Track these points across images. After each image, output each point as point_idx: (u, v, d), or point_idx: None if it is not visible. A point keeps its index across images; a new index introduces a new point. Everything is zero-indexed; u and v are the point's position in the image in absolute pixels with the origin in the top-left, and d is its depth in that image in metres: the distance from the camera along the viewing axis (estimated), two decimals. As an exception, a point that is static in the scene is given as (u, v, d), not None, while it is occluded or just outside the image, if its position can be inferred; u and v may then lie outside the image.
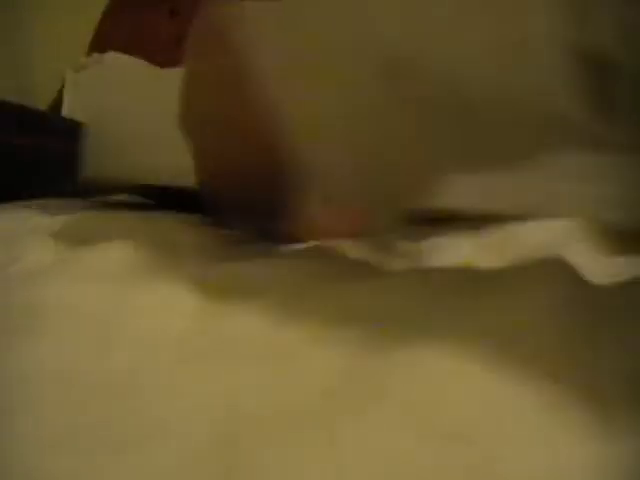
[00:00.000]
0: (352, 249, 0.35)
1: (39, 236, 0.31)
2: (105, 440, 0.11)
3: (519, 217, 0.46)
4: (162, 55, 1.50)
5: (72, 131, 0.64)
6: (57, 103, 1.44)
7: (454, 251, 0.40)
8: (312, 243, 0.35)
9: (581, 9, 0.19)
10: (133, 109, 1.29)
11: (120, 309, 0.18)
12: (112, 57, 1.53)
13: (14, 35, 1.50)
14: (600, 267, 0.30)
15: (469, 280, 0.24)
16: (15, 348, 0.15)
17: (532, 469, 0.10)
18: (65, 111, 1.40)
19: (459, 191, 0.30)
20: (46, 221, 0.36)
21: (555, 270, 0.21)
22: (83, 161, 0.66)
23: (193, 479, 0.10)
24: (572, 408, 0.12)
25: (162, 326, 0.18)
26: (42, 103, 1.47)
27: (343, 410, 0.12)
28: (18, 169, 0.53)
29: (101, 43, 1.54)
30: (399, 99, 0.22)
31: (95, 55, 1.51)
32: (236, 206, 0.33)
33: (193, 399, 0.13)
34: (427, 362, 0.14)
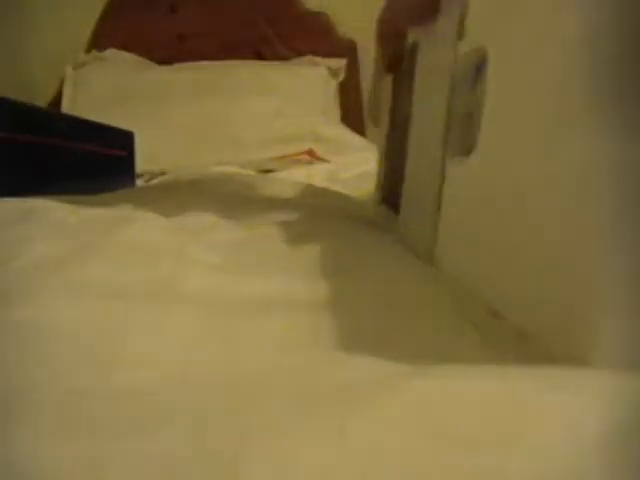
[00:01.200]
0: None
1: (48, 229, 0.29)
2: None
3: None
4: (162, 52, 1.50)
5: (127, 139, 0.73)
6: (57, 100, 1.44)
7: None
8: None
9: None
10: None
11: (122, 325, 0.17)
12: (112, 54, 1.52)
13: (14, 32, 1.50)
14: None
15: None
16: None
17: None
18: (64, 107, 1.40)
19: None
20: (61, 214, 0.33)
21: None
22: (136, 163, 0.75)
23: (204, 454, 0.10)
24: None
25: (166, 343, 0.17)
26: (42, 100, 1.46)
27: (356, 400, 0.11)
28: (85, 172, 0.63)
29: (101, 40, 1.53)
30: None
31: (95, 52, 1.51)
32: None
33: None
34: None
